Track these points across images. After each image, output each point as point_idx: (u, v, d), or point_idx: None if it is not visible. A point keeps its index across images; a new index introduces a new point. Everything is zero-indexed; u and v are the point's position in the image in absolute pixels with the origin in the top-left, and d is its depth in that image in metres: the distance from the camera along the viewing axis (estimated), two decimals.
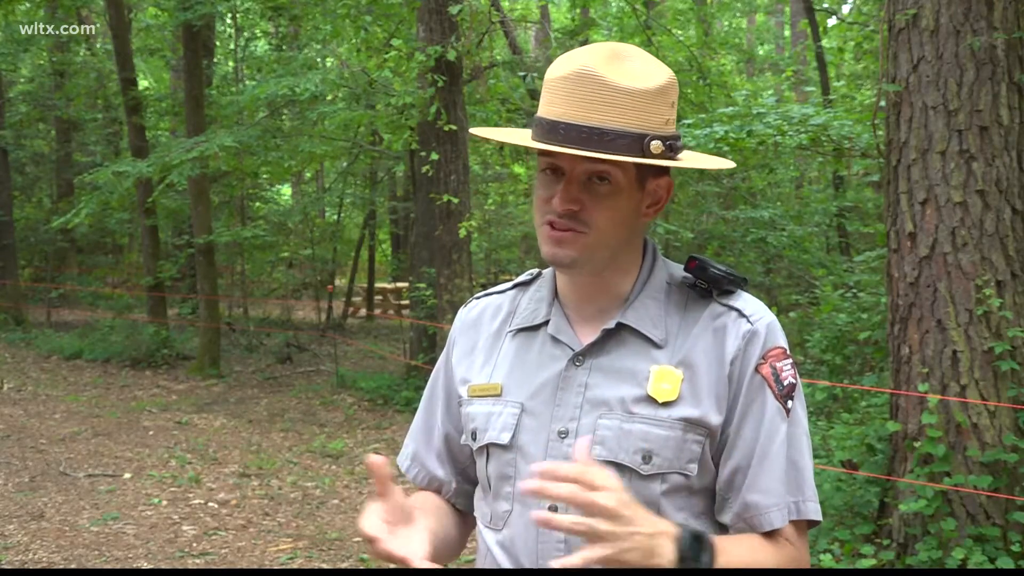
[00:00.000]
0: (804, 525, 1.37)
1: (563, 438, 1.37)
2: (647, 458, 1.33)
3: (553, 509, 1.34)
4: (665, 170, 1.41)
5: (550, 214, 1.35)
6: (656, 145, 1.31)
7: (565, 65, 1.34)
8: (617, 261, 1.40)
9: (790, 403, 1.36)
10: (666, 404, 1.34)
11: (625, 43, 1.40)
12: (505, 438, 1.40)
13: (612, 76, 1.31)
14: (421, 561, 1.22)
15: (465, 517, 1.58)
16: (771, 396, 1.35)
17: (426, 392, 1.61)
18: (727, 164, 1.50)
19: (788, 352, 1.39)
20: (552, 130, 1.31)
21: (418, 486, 1.60)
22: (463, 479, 1.57)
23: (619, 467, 1.33)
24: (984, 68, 4.28)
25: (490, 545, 1.42)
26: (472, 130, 1.49)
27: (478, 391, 1.47)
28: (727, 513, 1.36)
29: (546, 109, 1.34)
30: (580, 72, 1.31)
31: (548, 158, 1.36)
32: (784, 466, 1.34)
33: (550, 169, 1.37)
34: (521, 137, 1.41)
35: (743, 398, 1.35)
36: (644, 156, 1.31)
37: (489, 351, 1.50)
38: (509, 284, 1.58)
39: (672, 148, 1.34)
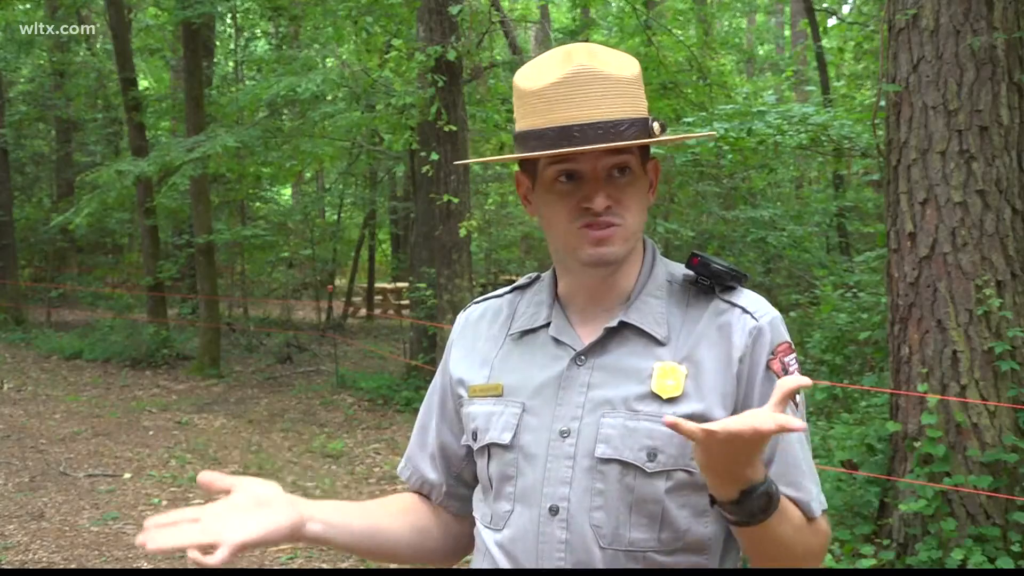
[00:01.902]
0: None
1: (565, 437, 1.36)
2: (652, 455, 1.32)
3: (554, 511, 1.35)
4: (649, 152, 1.45)
5: (586, 217, 1.34)
6: (657, 127, 1.34)
7: (548, 72, 1.32)
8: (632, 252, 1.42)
9: (797, 397, 1.37)
10: (670, 400, 1.34)
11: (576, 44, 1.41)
12: (506, 438, 1.40)
13: (606, 69, 1.32)
14: (225, 548, 1.16)
15: (459, 520, 1.56)
16: None
17: (426, 397, 1.62)
18: (709, 134, 1.57)
19: (792, 347, 1.41)
20: (565, 135, 1.29)
21: (410, 488, 1.59)
22: (456, 483, 1.56)
23: (624, 464, 1.33)
24: (984, 68, 4.28)
25: (488, 545, 1.42)
26: (459, 163, 1.51)
27: (479, 391, 1.46)
28: None
29: (547, 118, 1.31)
30: (577, 72, 1.31)
31: (563, 165, 1.34)
32: (803, 459, 1.36)
33: (566, 176, 1.35)
34: (525, 151, 1.36)
35: (757, 395, 1.35)
36: (651, 138, 1.34)
37: (488, 353, 1.50)
38: (507, 288, 1.57)
39: (663, 128, 1.37)
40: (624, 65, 1.35)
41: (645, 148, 1.39)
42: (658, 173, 1.45)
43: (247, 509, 1.23)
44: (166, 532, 1.15)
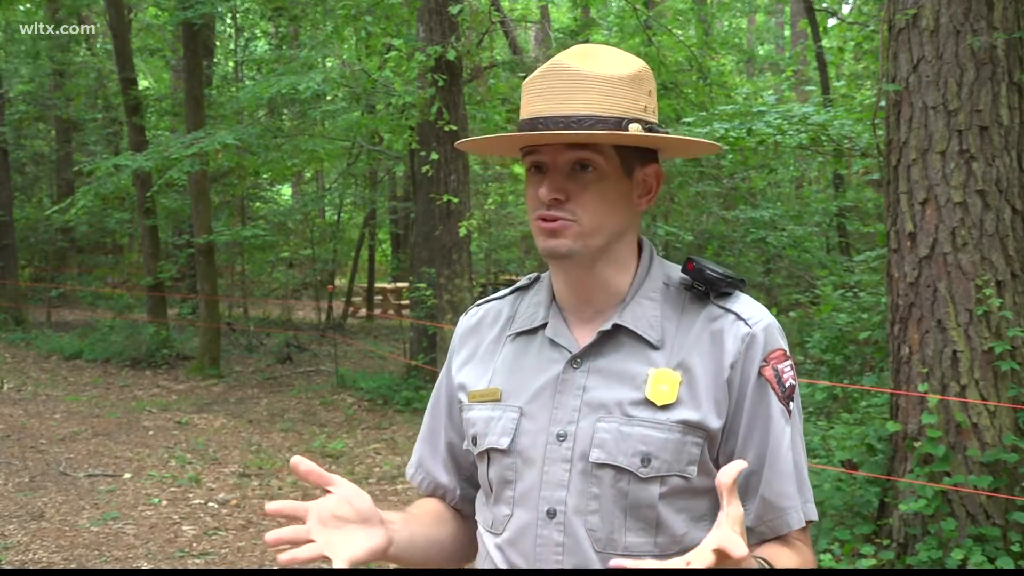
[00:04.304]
0: (807, 525, 1.38)
1: (561, 441, 1.37)
2: (646, 461, 1.32)
3: (551, 514, 1.35)
4: (653, 158, 1.42)
5: (539, 208, 1.37)
6: (635, 127, 1.33)
7: (539, 69, 1.39)
8: (611, 254, 1.40)
9: (791, 404, 1.37)
10: (665, 407, 1.33)
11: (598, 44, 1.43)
12: (504, 443, 1.40)
13: (583, 67, 1.34)
14: (339, 562, 1.22)
15: (473, 523, 1.57)
16: (775, 398, 1.35)
17: (431, 399, 1.62)
18: (713, 145, 1.50)
19: (788, 353, 1.39)
20: (531, 127, 1.34)
21: (423, 492, 1.60)
22: (468, 485, 1.57)
23: (617, 469, 1.33)
24: (984, 68, 4.28)
25: (489, 549, 1.43)
26: (458, 143, 1.51)
27: (477, 396, 1.47)
28: (745, 516, 1.36)
29: (526, 110, 1.37)
30: (551, 68, 1.35)
31: (532, 156, 1.38)
32: (793, 468, 1.35)
33: (535, 167, 1.39)
34: (506, 145, 1.44)
35: (748, 402, 1.35)
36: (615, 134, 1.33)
37: (489, 356, 1.50)
38: (508, 289, 1.58)
39: (652, 131, 1.36)
40: (616, 65, 1.36)
41: (630, 149, 1.37)
42: (659, 180, 1.43)
43: (352, 524, 1.28)
44: (293, 551, 1.26)
